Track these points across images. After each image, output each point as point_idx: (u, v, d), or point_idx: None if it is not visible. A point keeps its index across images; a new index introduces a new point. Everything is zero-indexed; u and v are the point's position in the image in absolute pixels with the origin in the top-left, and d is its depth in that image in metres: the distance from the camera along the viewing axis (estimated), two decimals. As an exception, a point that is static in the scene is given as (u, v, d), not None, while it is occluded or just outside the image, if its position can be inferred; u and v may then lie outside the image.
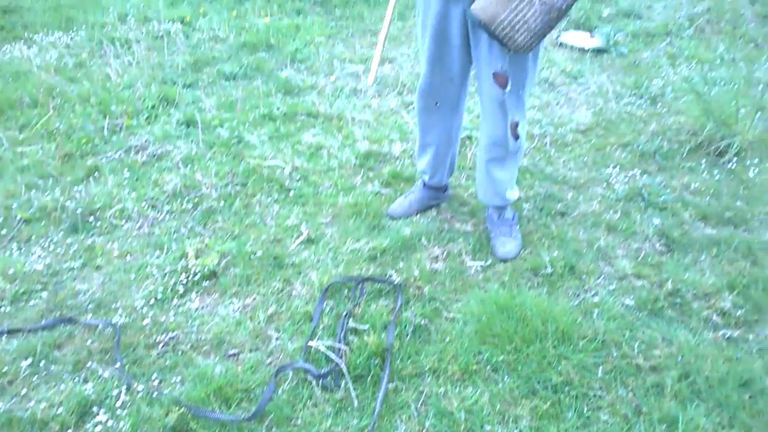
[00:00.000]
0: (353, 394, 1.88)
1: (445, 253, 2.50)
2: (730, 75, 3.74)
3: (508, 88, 2.20)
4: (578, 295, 2.28)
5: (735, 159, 3.05)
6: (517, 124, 2.32)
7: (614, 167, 3.08)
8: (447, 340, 2.10)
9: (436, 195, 2.78)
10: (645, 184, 2.90)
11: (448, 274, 2.39)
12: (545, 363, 1.97)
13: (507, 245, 2.49)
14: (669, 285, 2.30)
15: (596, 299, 2.26)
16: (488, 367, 1.99)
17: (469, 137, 3.29)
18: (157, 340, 2.12)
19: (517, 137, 2.35)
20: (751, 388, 1.90)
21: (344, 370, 1.94)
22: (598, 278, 2.37)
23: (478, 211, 2.75)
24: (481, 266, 2.44)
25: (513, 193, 2.55)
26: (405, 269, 2.40)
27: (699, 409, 1.83)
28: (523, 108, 2.32)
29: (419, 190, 2.78)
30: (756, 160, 3.05)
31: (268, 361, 2.04)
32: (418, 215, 2.74)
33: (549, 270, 2.39)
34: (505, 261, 2.46)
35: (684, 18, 4.73)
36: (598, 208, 2.76)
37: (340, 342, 2.05)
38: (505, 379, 1.95)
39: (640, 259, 2.46)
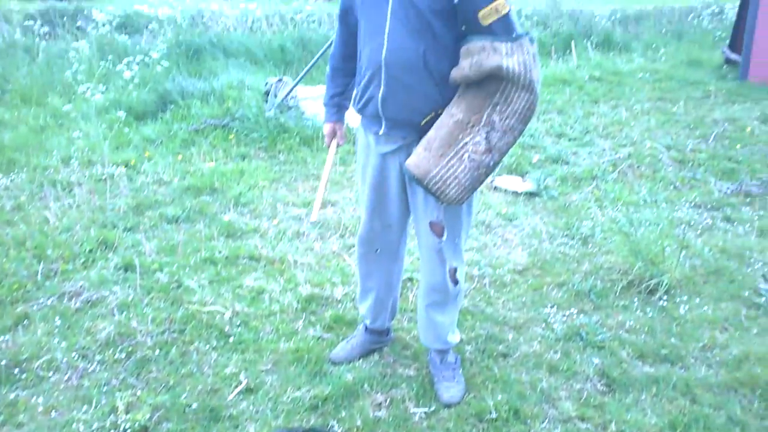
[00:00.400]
0: None
1: (388, 400, 2.45)
2: (654, 216, 3.98)
3: (445, 236, 2.29)
4: (524, 441, 2.25)
5: (665, 297, 3.18)
6: (455, 270, 2.38)
7: (552, 307, 3.15)
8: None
9: (379, 339, 2.77)
10: (582, 323, 2.97)
11: (392, 422, 2.33)
12: None
13: (451, 390, 2.47)
14: (613, 427, 2.31)
15: (542, 445, 2.22)
16: None
17: (411, 279, 3.34)
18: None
19: (456, 282, 2.41)
20: None
21: None
22: (543, 422, 2.35)
23: (420, 354, 2.74)
24: (425, 413, 2.40)
25: (454, 337, 2.57)
26: (347, 419, 2.33)
27: None
28: (461, 253, 2.40)
29: (361, 334, 2.76)
30: (685, 297, 3.18)
31: None
32: (361, 360, 2.71)
33: (494, 415, 2.36)
34: (449, 406, 2.42)
35: (607, 163, 5.08)
36: (538, 349, 2.79)
37: (278, 502, 1.94)
38: None
39: (582, 400, 2.47)
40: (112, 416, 2.32)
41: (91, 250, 3.67)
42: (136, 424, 2.27)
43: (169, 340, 2.83)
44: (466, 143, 2.07)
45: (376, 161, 2.33)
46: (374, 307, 2.65)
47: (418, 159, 2.11)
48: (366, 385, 2.52)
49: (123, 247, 3.73)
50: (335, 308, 3.12)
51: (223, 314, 3.02)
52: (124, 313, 3.05)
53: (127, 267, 3.50)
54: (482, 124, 2.05)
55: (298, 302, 3.14)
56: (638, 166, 5.03)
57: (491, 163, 2.10)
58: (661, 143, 5.51)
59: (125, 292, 3.24)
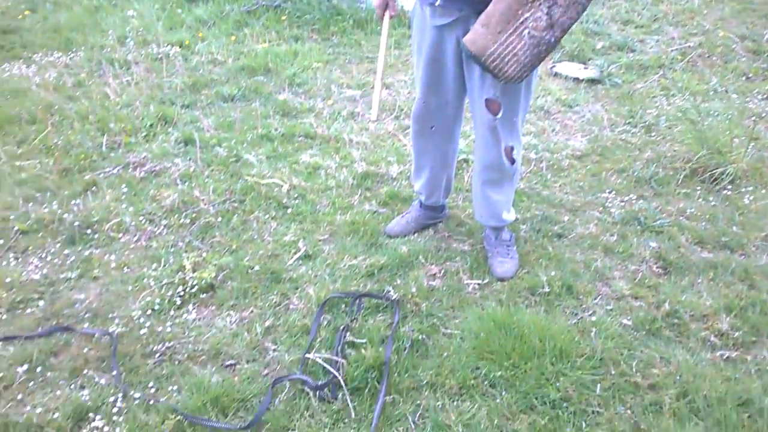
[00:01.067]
0: (351, 405, 1.87)
1: (442, 271, 2.51)
2: (723, 106, 3.81)
3: (500, 114, 2.23)
4: (576, 315, 2.28)
5: (730, 186, 3.09)
6: (512, 149, 2.35)
7: (610, 192, 3.10)
8: (444, 355, 2.09)
9: (433, 215, 2.79)
10: (641, 208, 2.93)
11: (446, 291, 2.39)
12: (543, 379, 1.97)
13: (504, 265, 2.50)
14: (666, 306, 2.31)
15: (594, 318, 2.26)
16: (486, 383, 1.98)
17: (466, 160, 3.31)
18: (154, 350, 2.10)
19: (512, 161, 2.38)
20: (749, 407, 1.89)
21: (341, 382, 1.92)
22: (596, 298, 2.37)
23: (475, 231, 2.76)
24: (479, 284, 2.44)
25: (509, 215, 2.57)
26: (402, 286, 2.40)
27: (697, 428, 1.82)
28: (518, 134, 2.35)
29: (416, 209, 2.79)
30: (750, 188, 3.09)
31: (265, 372, 2.02)
32: (416, 234, 2.75)
33: (546, 289, 2.39)
34: (502, 280, 2.46)
35: (676, 52, 4.82)
36: (594, 231, 2.78)
37: (337, 355, 2.04)
38: (503, 394, 1.94)
39: (637, 280, 2.47)
40: (180, 274, 2.44)
41: (151, 125, 3.74)
42: (203, 282, 2.38)
43: (230, 209, 2.92)
44: (526, 19, 1.97)
45: (431, 35, 2.25)
46: (428, 184, 2.66)
47: (476, 36, 2.03)
48: (421, 257, 2.57)
49: (182, 123, 3.79)
50: (390, 185, 3.14)
51: (281, 187, 3.08)
52: (187, 183, 3.14)
53: (187, 141, 3.56)
54: (543, -2, 1.94)
55: (353, 179, 3.17)
56: (709, 56, 4.76)
57: (552, 40, 2.00)
58: (735, 33, 5.17)
59: (186, 164, 3.32)
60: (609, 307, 2.32)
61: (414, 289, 2.37)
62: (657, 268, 2.56)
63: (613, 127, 3.77)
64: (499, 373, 1.99)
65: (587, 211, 2.95)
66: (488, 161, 2.39)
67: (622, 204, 3.00)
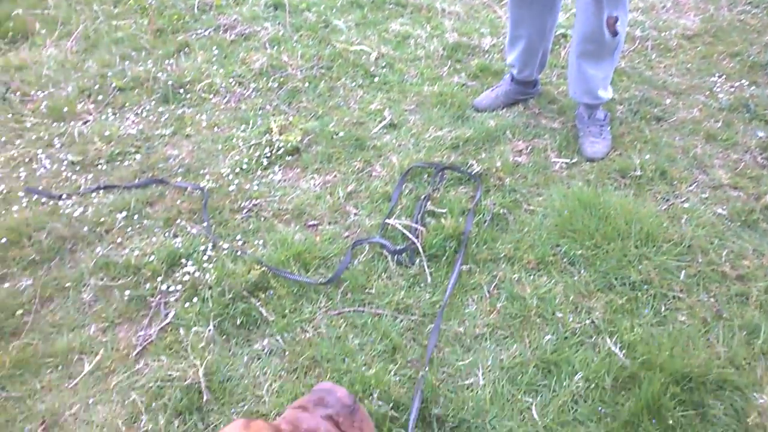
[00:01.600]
0: (427, 271, 1.90)
1: (529, 148, 2.44)
2: None
3: None
4: (667, 200, 2.19)
5: None
6: (615, 20, 2.17)
7: (720, 76, 2.87)
8: (525, 230, 2.07)
9: (524, 90, 2.68)
10: (752, 95, 2.70)
11: (531, 167, 2.34)
12: (625, 261, 1.93)
13: (596, 145, 2.40)
14: (767, 198, 2.18)
15: (686, 205, 2.16)
16: (565, 260, 1.96)
17: (564, 35, 3.12)
18: (242, 206, 2.18)
19: (615, 33, 2.20)
20: (844, 305, 1.80)
21: (420, 248, 1.95)
22: (691, 185, 2.26)
23: (567, 110, 2.64)
24: (566, 163, 2.37)
25: (606, 93, 2.43)
26: (487, 160, 2.36)
27: (784, 321, 1.76)
28: (624, 4, 2.16)
29: (507, 83, 2.68)
30: None
31: (346, 234, 2.08)
32: (504, 109, 2.66)
33: (638, 173, 2.29)
34: (592, 161, 2.37)
35: None
36: (698, 116, 2.60)
37: (417, 222, 2.06)
38: (582, 272, 1.92)
39: (738, 170, 2.32)
40: (267, 136, 2.49)
41: (242, -13, 3.69)
42: (289, 145, 2.42)
43: (318, 75, 2.90)
44: None
45: None
46: (522, 55, 2.53)
47: None
48: (508, 132, 2.50)
49: (272, -14, 3.72)
50: (481, 57, 3.02)
51: (369, 55, 3.02)
52: (276, 47, 3.12)
53: (277, 5, 3.52)
54: None
55: (443, 49, 3.06)
56: None
57: None
58: None
59: (275, 28, 3.30)
60: (704, 195, 2.21)
61: (499, 164, 2.32)
62: (762, 159, 2.39)
63: (731, 6, 3.43)
64: (580, 251, 1.96)
65: (692, 95, 2.75)
66: (587, 31, 2.23)
67: (732, 89, 2.78)
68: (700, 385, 1.57)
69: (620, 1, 2.14)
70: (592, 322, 1.76)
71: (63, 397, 1.56)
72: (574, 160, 2.38)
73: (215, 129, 2.59)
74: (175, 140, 2.53)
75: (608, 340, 1.69)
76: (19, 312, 1.80)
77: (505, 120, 2.58)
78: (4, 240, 2.02)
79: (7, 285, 1.90)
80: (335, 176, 2.32)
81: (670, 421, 1.48)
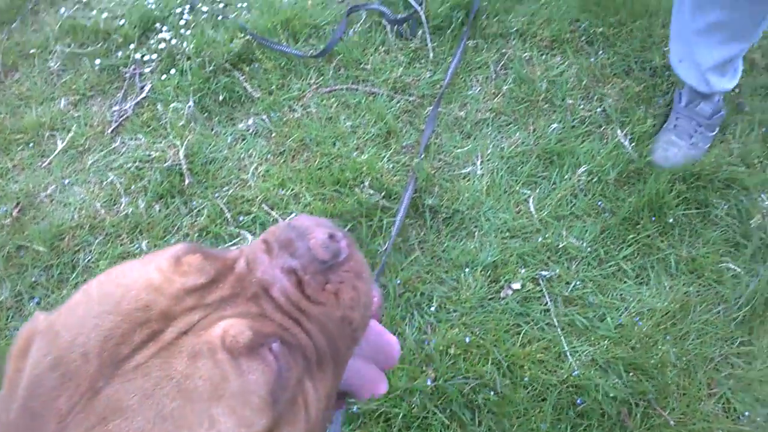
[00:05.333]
0: (430, 45, 1.72)
1: None
2: None
3: None
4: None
5: None
6: None
7: None
8: (542, 1, 1.84)
9: None
10: None
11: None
12: (649, 42, 1.74)
13: (673, 149, 1.55)
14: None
15: None
16: (583, 38, 1.77)
17: None
18: (221, -40, 1.92)
19: None
20: None
21: (423, 17, 1.74)
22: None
23: None
24: None
25: (726, 81, 1.51)
26: None
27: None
28: None
29: None
30: None
31: (341, -2, 1.85)
32: None
33: None
34: (658, 167, 1.56)
35: None
36: None
37: (421, -13, 1.82)
38: (599, 53, 1.74)
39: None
40: None
41: None
42: None
43: None
44: None
45: None
46: None
47: None
48: None
49: None
50: None
51: None
52: None
53: None
54: None
55: None
56: None
57: None
58: None
59: None
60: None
61: None
62: None
63: None
64: (601, 29, 1.76)
65: None
66: None
67: None
68: (708, 183, 1.49)
69: None
70: (604, 110, 1.64)
71: (37, 177, 1.49)
72: None
73: None
74: None
75: (618, 131, 1.58)
76: (-17, 77, 1.67)
77: None
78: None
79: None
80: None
81: (670, 219, 1.43)
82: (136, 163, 1.48)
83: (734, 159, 1.54)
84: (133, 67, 1.67)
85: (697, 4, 1.37)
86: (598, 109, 1.63)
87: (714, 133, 1.57)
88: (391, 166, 1.51)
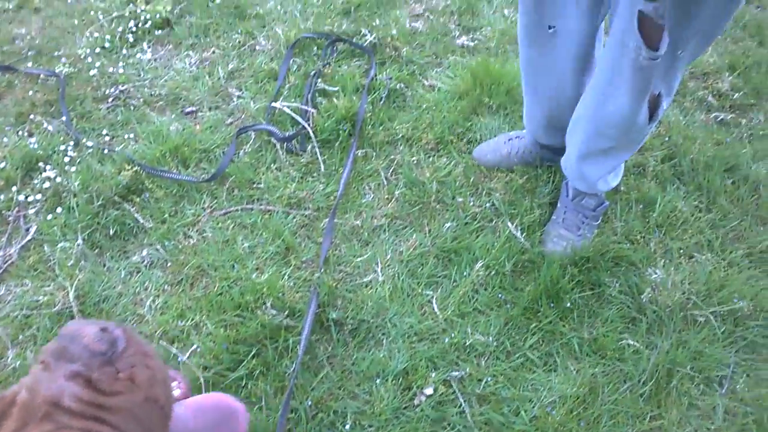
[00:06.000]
0: (320, 158, 1.77)
1: (426, 12, 2.24)
2: None
3: (662, 49, 1.13)
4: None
5: None
6: (659, 98, 1.30)
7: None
8: (423, 107, 1.94)
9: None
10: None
11: (429, 35, 2.16)
12: (526, 137, 1.85)
13: (562, 243, 1.64)
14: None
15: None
16: (464, 140, 1.87)
17: None
18: (107, 93, 1.92)
19: (654, 118, 1.34)
20: (735, 173, 1.82)
21: (311, 133, 1.80)
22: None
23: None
24: (465, 28, 2.21)
25: (608, 184, 1.64)
26: (382, 27, 2.16)
27: (679, 192, 1.76)
28: (677, 76, 1.27)
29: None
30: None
31: (229, 120, 1.88)
32: (400, -33, 2.42)
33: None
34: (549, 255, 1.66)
35: None
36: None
37: (307, 104, 1.88)
38: (483, 151, 1.84)
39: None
40: (131, 5, 2.17)
41: None
42: (157, 16, 2.12)
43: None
44: None
45: None
46: None
47: None
48: (404, -5, 2.29)
49: None
50: None
51: None
52: None
53: None
54: None
55: None
56: None
57: None
58: None
59: None
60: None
61: (394, 32, 2.13)
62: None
63: None
64: (478, 131, 1.87)
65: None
66: (611, 120, 1.37)
67: None
68: (597, 263, 1.57)
69: (675, 74, 1.26)
70: (493, 204, 1.71)
71: None
72: (475, 31, 2.22)
73: (68, 0, 2.23)
74: (22, 16, 2.17)
75: (509, 223, 1.65)
76: None
77: (401, -19, 2.35)
78: None
79: None
80: (214, 52, 2.07)
81: (568, 304, 1.48)
82: (23, 311, 1.40)
83: (619, 237, 1.63)
84: (16, 209, 1.61)
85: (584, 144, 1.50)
86: (488, 204, 1.70)
87: (598, 222, 1.67)
88: (292, 283, 1.50)
